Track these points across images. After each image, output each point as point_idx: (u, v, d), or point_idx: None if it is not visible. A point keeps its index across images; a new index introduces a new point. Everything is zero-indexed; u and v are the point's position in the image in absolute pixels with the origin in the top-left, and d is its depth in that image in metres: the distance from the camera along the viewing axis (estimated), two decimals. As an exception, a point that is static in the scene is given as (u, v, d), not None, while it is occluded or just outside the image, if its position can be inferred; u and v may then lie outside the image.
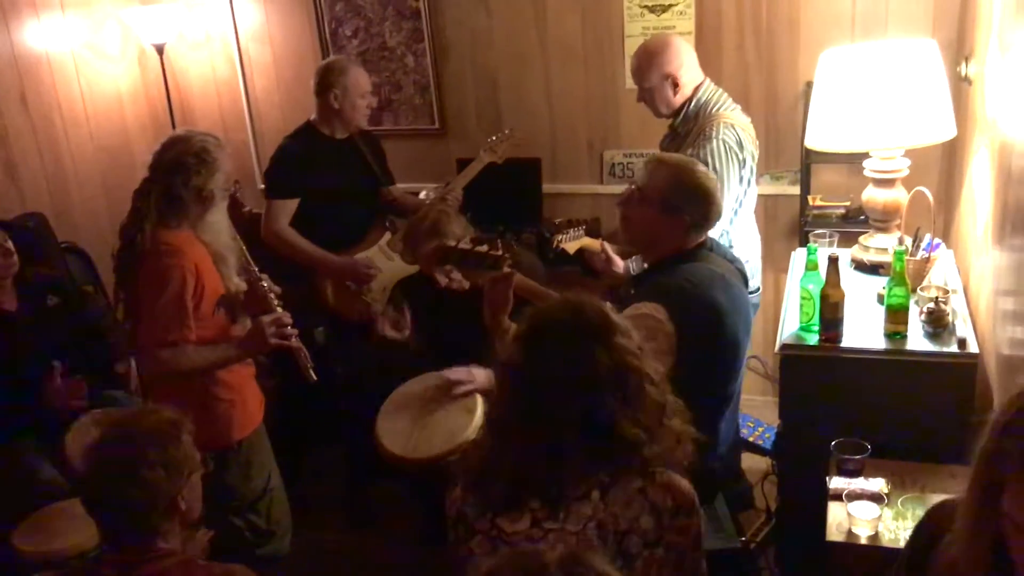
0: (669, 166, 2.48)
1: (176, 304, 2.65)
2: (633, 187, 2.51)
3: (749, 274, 2.77)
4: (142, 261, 2.68)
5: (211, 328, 2.79)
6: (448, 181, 4.09)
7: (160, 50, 4.60)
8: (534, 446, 1.54)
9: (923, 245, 2.89)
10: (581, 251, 3.19)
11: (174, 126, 4.67)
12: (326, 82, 3.62)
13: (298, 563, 3.18)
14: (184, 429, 1.84)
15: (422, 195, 4.24)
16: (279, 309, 2.87)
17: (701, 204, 2.40)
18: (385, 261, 3.77)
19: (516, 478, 1.55)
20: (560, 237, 3.12)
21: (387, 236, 3.81)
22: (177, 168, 2.71)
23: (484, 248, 2.51)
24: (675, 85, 3.15)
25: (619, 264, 2.96)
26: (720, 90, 3.20)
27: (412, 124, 4.60)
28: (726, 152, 3.02)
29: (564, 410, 1.54)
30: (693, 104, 3.17)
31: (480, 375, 2.57)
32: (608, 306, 1.65)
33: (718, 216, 2.48)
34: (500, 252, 2.48)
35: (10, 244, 3.32)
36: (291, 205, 3.61)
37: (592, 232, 3.65)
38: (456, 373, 2.60)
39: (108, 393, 3.45)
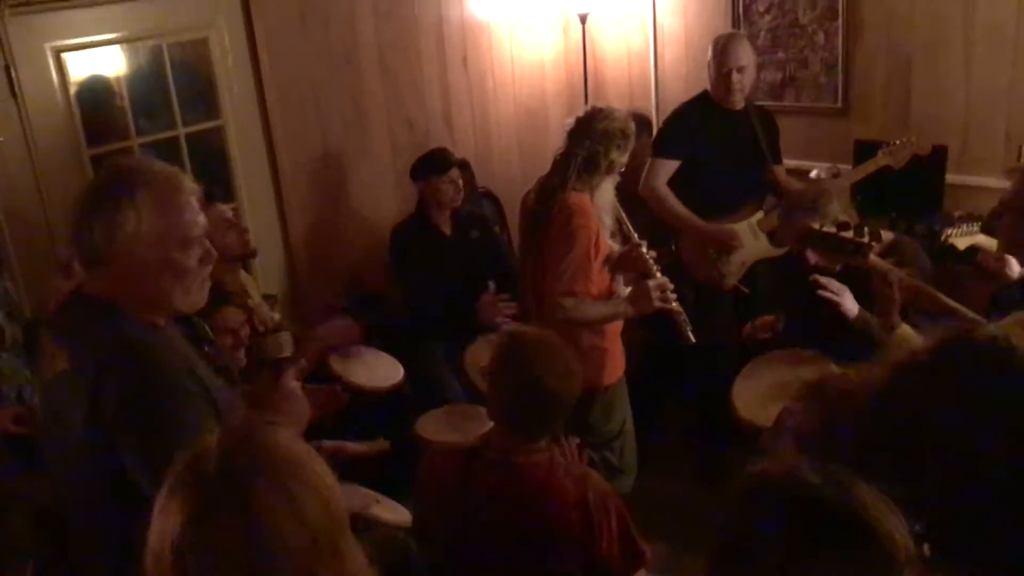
0: None
1: (583, 260, 2.95)
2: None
3: None
4: (557, 218, 2.98)
5: (599, 284, 3.06)
6: (838, 168, 4.03)
7: (583, 20, 4.99)
8: None
9: None
10: (973, 249, 3.02)
11: (586, 93, 5.06)
12: (709, 52, 3.76)
13: (635, 502, 3.39)
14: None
15: (812, 174, 4.22)
16: (659, 274, 3.08)
17: None
18: (750, 238, 3.82)
19: None
20: (950, 231, 2.97)
21: (759, 215, 3.86)
22: (604, 139, 2.98)
23: (849, 234, 2.48)
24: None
25: (1014, 267, 2.77)
26: None
27: (813, 102, 4.55)
28: None
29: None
30: None
31: None
32: None
33: None
34: (866, 240, 2.44)
35: (460, 181, 3.91)
36: (671, 165, 3.79)
37: (990, 230, 3.41)
38: None
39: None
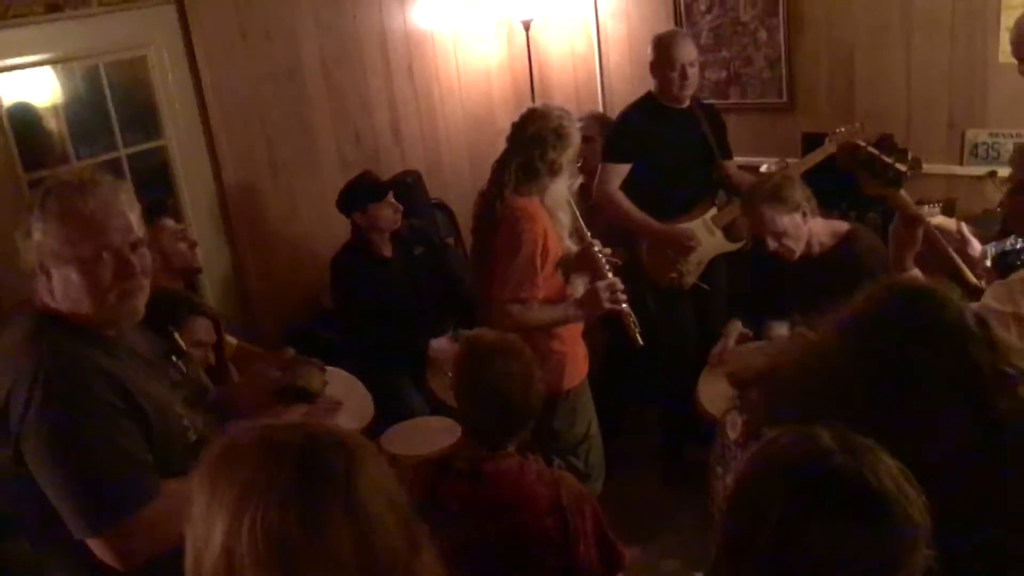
0: None
1: (528, 265, 2.91)
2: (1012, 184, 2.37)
3: None
4: (499, 225, 2.96)
5: (550, 287, 3.03)
6: (787, 162, 4.07)
7: (527, 27, 4.98)
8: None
9: None
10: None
11: (533, 98, 5.05)
12: (651, 53, 3.77)
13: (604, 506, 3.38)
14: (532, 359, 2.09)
15: (762, 168, 4.25)
16: (610, 274, 3.06)
17: None
18: (706, 235, 3.83)
19: None
20: (911, 215, 3.00)
21: (712, 211, 3.86)
22: (536, 142, 2.95)
23: (891, 159, 2.44)
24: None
25: (976, 246, 2.80)
26: None
27: (759, 98, 4.59)
28: None
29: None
30: None
31: None
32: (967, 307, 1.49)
33: None
34: (905, 169, 2.40)
35: (396, 203, 3.84)
36: (623, 169, 3.77)
37: (947, 213, 3.45)
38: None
39: (462, 331, 3.87)
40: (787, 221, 3.01)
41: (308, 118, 4.25)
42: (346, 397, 3.09)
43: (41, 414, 1.62)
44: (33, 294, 1.76)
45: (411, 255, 3.95)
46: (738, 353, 3.22)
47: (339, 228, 3.95)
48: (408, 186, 4.43)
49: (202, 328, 2.58)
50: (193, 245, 3.06)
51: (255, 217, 4.08)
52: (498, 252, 2.96)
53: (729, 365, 3.16)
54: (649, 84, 3.89)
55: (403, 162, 4.65)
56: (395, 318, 3.70)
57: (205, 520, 1.01)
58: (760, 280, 3.39)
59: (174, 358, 1.92)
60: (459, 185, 4.92)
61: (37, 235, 1.68)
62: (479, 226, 3.12)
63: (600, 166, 3.84)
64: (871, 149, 2.50)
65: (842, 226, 3.18)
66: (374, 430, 3.28)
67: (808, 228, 3.05)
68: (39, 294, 1.74)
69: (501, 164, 3.03)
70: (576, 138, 3.04)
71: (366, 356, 3.61)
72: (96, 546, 1.65)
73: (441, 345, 3.63)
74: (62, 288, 1.70)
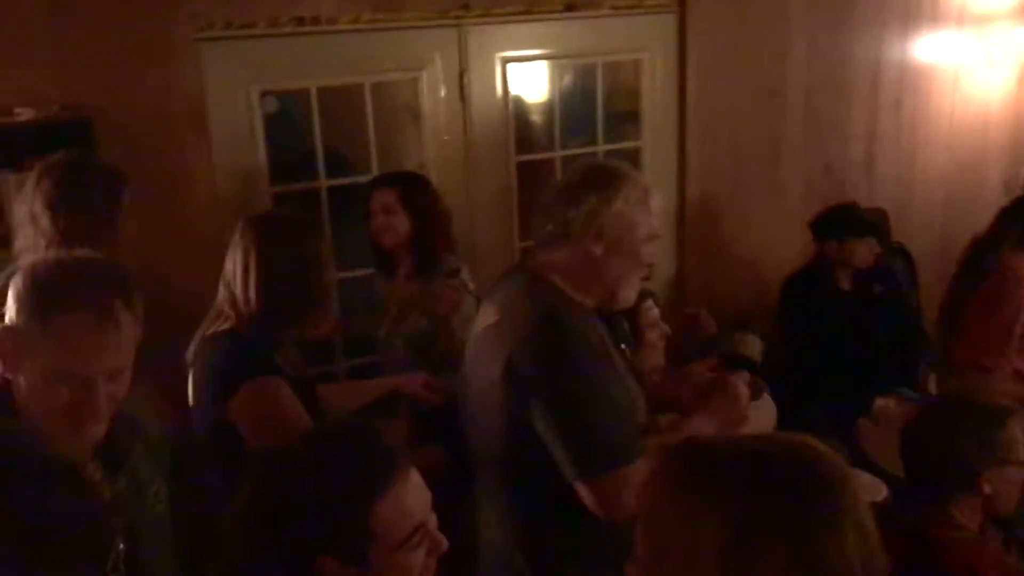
0: None
1: (1003, 331, 2.64)
2: None
3: None
4: (985, 279, 2.70)
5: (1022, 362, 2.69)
6: None
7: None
8: None
9: None
10: None
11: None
12: None
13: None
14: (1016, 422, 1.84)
15: None
16: None
17: None
18: None
19: None
20: None
21: None
22: None
23: None
24: None
25: None
26: None
27: None
28: None
29: None
30: None
31: None
32: None
33: None
34: None
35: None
36: None
37: None
38: None
39: (898, 388, 3.55)
40: None
41: (779, 141, 4.17)
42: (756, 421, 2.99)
43: (551, 362, 1.76)
44: (536, 258, 1.93)
45: (870, 292, 3.74)
46: None
47: (791, 253, 3.86)
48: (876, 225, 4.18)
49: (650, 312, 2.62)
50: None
51: (708, 229, 4.10)
52: (974, 308, 2.70)
53: None
54: None
55: (870, 199, 4.37)
56: (843, 360, 3.51)
57: (688, 520, 1.01)
58: None
59: (623, 346, 2.01)
60: (927, 233, 4.53)
61: (617, 206, 1.85)
62: (961, 274, 2.88)
63: None
64: None
65: None
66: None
67: None
68: (544, 258, 1.90)
69: (1008, 213, 2.77)
70: None
71: (802, 388, 3.46)
72: (586, 492, 1.74)
73: (888, 405, 3.33)
74: (612, 261, 1.85)
